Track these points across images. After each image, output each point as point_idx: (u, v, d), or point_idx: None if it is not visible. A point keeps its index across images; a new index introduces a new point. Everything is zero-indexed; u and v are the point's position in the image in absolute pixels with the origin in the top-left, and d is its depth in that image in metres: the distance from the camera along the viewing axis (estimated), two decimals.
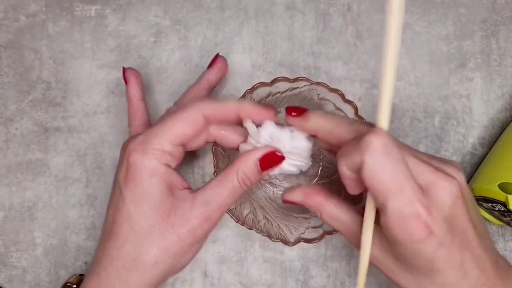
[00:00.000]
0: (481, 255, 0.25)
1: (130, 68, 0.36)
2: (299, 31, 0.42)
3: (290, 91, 0.36)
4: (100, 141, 0.41)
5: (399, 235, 0.24)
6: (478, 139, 0.41)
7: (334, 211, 0.29)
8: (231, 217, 0.34)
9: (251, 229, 0.35)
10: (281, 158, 0.30)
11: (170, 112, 0.32)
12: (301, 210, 0.38)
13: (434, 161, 0.26)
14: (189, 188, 0.31)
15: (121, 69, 0.41)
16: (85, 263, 0.39)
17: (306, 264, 0.39)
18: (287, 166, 0.30)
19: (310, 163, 0.32)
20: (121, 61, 0.41)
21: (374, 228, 0.26)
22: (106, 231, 0.30)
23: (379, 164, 0.23)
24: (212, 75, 0.37)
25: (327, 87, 0.35)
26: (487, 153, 0.40)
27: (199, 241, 0.31)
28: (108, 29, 0.42)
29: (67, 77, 0.41)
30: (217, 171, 0.35)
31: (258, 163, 0.29)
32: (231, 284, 0.39)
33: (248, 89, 0.35)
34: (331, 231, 0.35)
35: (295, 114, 0.29)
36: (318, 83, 0.35)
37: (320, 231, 0.35)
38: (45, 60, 0.41)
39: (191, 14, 0.42)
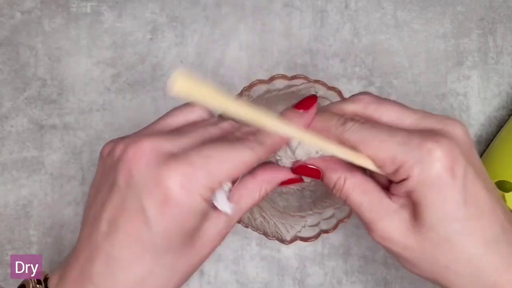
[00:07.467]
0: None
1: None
2: (297, 29, 0.42)
3: (288, 88, 0.36)
4: (96, 139, 0.40)
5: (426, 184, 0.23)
6: (475, 137, 0.41)
7: (361, 177, 0.27)
8: None
9: (247, 227, 0.35)
10: (300, 180, 0.29)
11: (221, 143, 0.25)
12: (298, 208, 0.38)
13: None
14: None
15: (117, 66, 0.41)
16: None
17: (303, 262, 0.39)
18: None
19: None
20: (117, 58, 0.41)
21: (393, 215, 0.25)
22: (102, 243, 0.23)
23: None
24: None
25: (325, 85, 0.35)
26: (484, 151, 0.40)
27: None
28: (104, 26, 0.41)
29: (63, 74, 0.41)
30: None
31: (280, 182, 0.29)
32: (228, 283, 0.39)
33: (246, 87, 0.35)
34: (328, 230, 0.34)
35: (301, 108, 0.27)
36: (316, 81, 0.35)
37: (317, 229, 0.35)
38: (41, 57, 0.41)
39: (188, 11, 0.42)
